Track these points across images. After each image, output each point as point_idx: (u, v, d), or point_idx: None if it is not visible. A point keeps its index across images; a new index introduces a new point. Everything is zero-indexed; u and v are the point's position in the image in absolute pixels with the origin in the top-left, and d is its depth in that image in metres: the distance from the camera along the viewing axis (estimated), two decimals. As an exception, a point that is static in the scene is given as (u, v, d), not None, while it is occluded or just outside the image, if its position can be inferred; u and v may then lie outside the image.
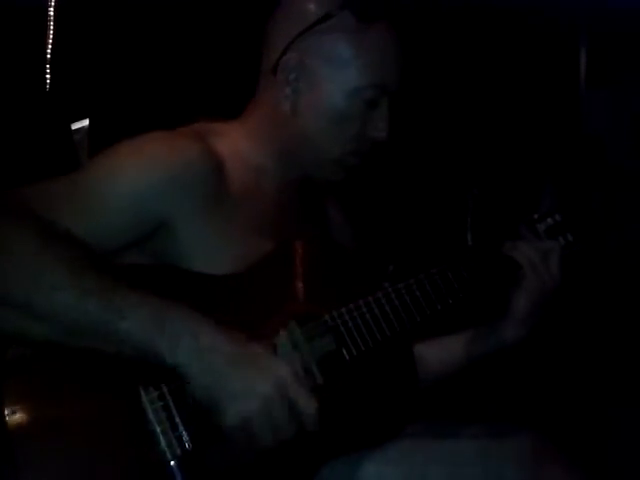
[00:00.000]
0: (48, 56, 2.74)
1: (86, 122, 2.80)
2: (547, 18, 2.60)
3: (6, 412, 1.21)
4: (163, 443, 1.27)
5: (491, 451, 1.49)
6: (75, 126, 2.79)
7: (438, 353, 1.74)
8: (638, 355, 2.52)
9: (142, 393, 1.28)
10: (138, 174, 1.38)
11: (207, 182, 1.42)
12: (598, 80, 2.67)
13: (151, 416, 1.27)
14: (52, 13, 2.72)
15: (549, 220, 1.62)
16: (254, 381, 1.23)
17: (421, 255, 2.79)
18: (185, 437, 1.28)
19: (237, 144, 1.53)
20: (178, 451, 1.27)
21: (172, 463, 1.27)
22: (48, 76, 2.73)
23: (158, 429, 1.27)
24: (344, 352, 1.43)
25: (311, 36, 1.49)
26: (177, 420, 1.28)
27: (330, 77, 1.49)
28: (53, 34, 2.74)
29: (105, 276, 1.23)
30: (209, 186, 1.42)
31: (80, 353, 1.25)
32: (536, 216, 1.63)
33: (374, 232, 2.55)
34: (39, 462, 1.21)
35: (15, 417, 1.22)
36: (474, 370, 1.72)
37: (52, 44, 2.74)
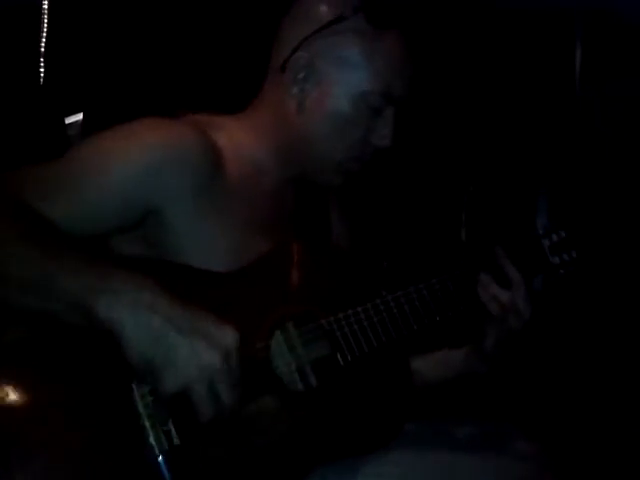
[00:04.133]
0: (42, 50, 2.73)
1: (80, 116, 2.80)
2: (542, 14, 2.60)
3: None
4: (152, 437, 1.27)
5: (488, 460, 1.51)
6: (69, 120, 2.78)
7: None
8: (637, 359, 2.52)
9: (134, 387, 1.28)
10: (126, 157, 1.36)
11: (201, 172, 1.40)
12: (594, 77, 2.67)
13: (141, 410, 1.27)
14: (46, 6, 2.71)
15: (554, 237, 1.60)
16: (199, 348, 1.17)
17: (415, 252, 2.79)
18: (173, 432, 1.28)
19: (237, 138, 1.51)
20: (166, 446, 1.27)
21: (160, 458, 1.27)
22: (42, 70, 2.72)
23: (147, 423, 1.27)
24: (339, 357, 1.43)
25: (323, 37, 1.49)
26: (166, 415, 1.28)
27: (338, 79, 1.49)
28: (47, 28, 2.73)
29: (63, 244, 1.22)
30: (203, 176, 1.41)
31: (76, 343, 1.25)
32: (541, 232, 1.62)
33: (369, 228, 2.55)
34: (29, 453, 1.20)
35: (5, 406, 1.21)
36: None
37: (46, 38, 2.73)
